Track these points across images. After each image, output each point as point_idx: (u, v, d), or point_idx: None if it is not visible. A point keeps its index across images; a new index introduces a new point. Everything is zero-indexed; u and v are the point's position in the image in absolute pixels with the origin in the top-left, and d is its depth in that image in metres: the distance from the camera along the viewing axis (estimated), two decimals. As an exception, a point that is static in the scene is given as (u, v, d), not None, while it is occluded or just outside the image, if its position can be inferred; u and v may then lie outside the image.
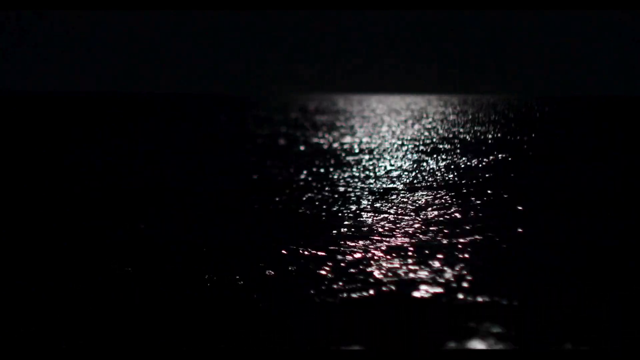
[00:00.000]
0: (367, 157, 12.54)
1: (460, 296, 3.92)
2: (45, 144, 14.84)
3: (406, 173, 10.00)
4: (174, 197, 7.55)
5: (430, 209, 6.89)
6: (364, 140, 17.10)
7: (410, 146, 15.13)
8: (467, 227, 5.93)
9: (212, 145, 14.72)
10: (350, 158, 12.29)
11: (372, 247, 5.17)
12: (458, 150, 14.09)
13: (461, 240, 5.42)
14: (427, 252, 5.01)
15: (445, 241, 5.36)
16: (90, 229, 5.77)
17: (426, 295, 3.93)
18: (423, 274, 4.39)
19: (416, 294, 3.96)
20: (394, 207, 6.95)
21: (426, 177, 9.50)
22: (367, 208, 6.91)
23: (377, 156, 12.66)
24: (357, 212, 6.69)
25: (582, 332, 3.33)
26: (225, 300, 3.81)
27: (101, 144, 14.76)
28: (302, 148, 14.41)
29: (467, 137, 18.81)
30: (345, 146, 15.04)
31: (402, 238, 5.48)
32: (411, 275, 4.36)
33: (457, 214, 6.59)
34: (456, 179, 9.38)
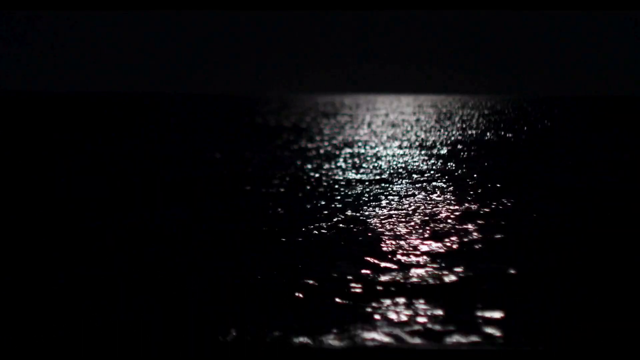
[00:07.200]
0: (373, 154, 12.52)
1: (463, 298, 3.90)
2: (44, 144, 14.82)
3: (411, 172, 9.99)
4: (175, 196, 7.54)
5: (436, 209, 6.88)
6: (368, 139, 17.09)
7: (413, 146, 15.12)
8: (471, 227, 5.92)
9: (213, 146, 14.70)
10: (355, 157, 12.28)
11: (381, 246, 5.15)
12: (462, 150, 14.08)
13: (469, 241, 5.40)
14: (435, 252, 4.99)
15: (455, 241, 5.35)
16: (89, 230, 5.76)
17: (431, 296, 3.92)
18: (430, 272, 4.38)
19: (420, 294, 3.95)
20: (401, 207, 6.94)
21: (431, 176, 9.49)
22: (378, 206, 6.90)
23: (384, 154, 12.65)
24: (365, 211, 6.68)
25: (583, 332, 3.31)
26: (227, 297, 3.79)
27: (101, 145, 14.74)
28: (309, 147, 14.39)
29: (470, 137, 18.80)
30: (349, 145, 15.03)
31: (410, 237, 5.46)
32: (417, 273, 4.34)
33: (462, 214, 6.58)
34: (460, 178, 9.37)
